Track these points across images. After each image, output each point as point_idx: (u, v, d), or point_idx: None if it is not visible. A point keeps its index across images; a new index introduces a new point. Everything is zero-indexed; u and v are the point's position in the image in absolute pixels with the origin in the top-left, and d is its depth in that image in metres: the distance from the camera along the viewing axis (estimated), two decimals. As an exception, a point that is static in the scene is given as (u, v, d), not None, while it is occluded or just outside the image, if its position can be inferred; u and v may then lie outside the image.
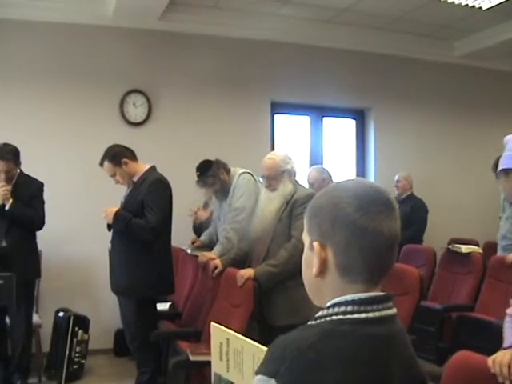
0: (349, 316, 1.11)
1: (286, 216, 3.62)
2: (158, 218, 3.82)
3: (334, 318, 1.12)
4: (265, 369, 1.08)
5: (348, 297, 1.13)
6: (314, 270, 1.17)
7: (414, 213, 5.99)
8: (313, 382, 1.05)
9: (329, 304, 1.15)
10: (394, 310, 1.17)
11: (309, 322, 1.16)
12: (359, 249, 1.13)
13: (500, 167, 1.68)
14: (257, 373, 1.09)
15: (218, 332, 1.27)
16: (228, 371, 1.20)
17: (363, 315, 1.11)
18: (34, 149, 5.04)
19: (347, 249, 1.14)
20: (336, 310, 1.13)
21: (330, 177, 5.44)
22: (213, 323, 1.28)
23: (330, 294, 1.17)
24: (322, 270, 1.16)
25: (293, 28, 6.14)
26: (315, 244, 1.17)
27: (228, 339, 1.23)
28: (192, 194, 5.01)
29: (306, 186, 4.83)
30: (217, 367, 1.24)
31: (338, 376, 1.05)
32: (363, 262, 1.14)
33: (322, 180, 5.32)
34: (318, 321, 1.14)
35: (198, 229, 5.34)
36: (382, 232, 1.13)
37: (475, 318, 4.26)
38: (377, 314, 1.12)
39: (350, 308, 1.12)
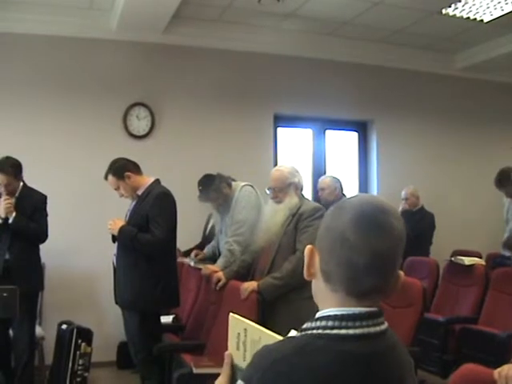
0: (328, 331, 1.11)
1: (292, 229, 3.60)
2: (164, 232, 3.83)
3: (314, 332, 1.12)
4: (244, 374, 1.12)
5: (332, 311, 1.13)
6: (304, 271, 1.21)
7: (422, 228, 5.88)
8: None
9: (316, 316, 1.16)
10: (383, 327, 1.15)
11: (295, 333, 1.17)
12: (337, 259, 1.13)
13: None
14: (239, 377, 1.13)
15: (236, 322, 1.32)
16: (244, 360, 1.24)
17: (343, 331, 1.10)
18: (37, 162, 5.06)
19: (329, 256, 1.15)
20: (318, 324, 1.13)
21: (342, 189, 5.47)
22: (231, 314, 1.32)
23: (320, 298, 1.20)
24: (311, 272, 1.19)
25: (295, 41, 6.19)
26: (308, 246, 1.20)
27: (246, 329, 1.28)
28: (196, 207, 5.01)
29: (310, 197, 4.81)
30: (234, 357, 1.28)
31: None
32: (340, 274, 1.14)
33: (333, 188, 5.39)
34: (302, 333, 1.14)
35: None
36: (362, 250, 1.11)
37: (479, 330, 4.26)
38: (358, 330, 1.10)
39: (330, 323, 1.11)
